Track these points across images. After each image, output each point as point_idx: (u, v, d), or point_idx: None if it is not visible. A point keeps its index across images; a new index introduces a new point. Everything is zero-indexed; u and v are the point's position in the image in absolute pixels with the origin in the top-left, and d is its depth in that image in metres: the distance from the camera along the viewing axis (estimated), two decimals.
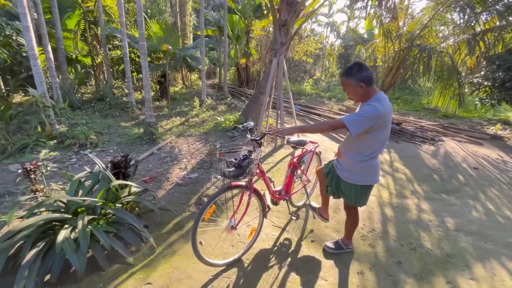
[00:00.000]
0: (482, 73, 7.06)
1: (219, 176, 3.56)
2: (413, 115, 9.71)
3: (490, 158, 5.15)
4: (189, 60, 8.72)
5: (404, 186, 3.77)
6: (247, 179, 2.05)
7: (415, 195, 3.51)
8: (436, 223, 2.86)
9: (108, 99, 7.81)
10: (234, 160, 1.95)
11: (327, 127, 1.76)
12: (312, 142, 2.77)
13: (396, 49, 8.49)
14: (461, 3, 7.70)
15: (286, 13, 5.10)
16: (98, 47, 10.88)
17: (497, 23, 7.74)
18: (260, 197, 2.19)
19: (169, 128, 5.97)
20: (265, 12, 10.43)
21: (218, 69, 15.29)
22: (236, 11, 11.28)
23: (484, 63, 7.47)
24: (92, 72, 10.63)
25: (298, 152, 2.61)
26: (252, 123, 2.30)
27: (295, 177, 2.66)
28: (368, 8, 6.88)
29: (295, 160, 2.55)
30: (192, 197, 3.09)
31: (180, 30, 13.13)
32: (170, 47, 8.25)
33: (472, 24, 7.92)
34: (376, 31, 18.00)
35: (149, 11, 11.09)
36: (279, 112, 5.31)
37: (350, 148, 1.87)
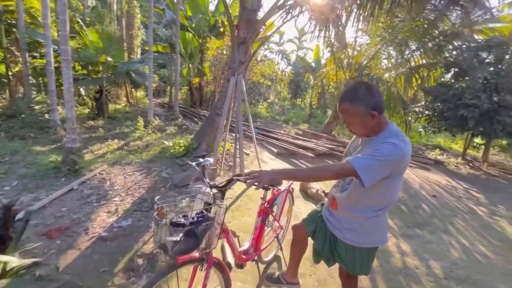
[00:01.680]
0: (423, 103, 7.70)
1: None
2: None
3: (442, 184, 5.32)
4: (133, 75, 7.69)
5: None
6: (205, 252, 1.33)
7: (390, 231, 3.17)
8: (423, 270, 2.49)
9: (22, 116, 6.24)
10: (182, 224, 1.22)
11: (329, 175, 1.18)
12: None
13: (347, 77, 8.90)
14: (397, 41, 8.48)
15: (245, 30, 4.71)
16: (19, 53, 9.04)
17: (425, 61, 8.72)
18: (223, 270, 1.48)
19: (101, 154, 4.83)
20: (221, 29, 10.10)
21: (169, 87, 14.29)
22: (189, 28, 10.74)
23: (422, 94, 8.23)
24: (7, 82, 8.68)
25: (269, 194, 2.00)
26: (210, 160, 1.64)
27: (266, 226, 2.03)
28: (316, 33, 6.95)
29: (266, 205, 1.93)
30: (120, 258, 2.17)
31: (126, 43, 11.99)
32: (110, 59, 7.16)
33: (408, 59, 8.78)
34: (323, 61, 19.42)
35: (87, 19, 9.80)
36: (237, 136, 4.72)
37: (357, 201, 1.32)
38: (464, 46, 7.11)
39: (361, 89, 1.21)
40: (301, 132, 9.02)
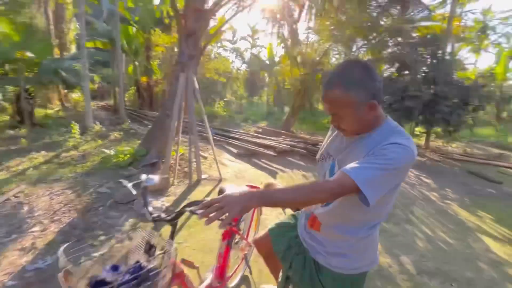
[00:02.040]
0: None
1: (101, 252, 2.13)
2: (320, 134, 10.38)
3: None
4: (63, 74, 6.57)
5: None
6: None
7: None
8: (396, 268, 2.39)
9: None
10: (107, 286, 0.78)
11: (322, 196, 0.85)
12: (253, 187, 1.86)
13: (302, 73, 8.95)
14: (345, 38, 8.80)
15: (193, 21, 4.23)
16: None
17: (371, 56, 9.24)
18: None
19: (21, 171, 3.91)
20: (166, 21, 9.31)
21: (114, 88, 12.86)
22: (132, 22, 9.72)
23: None
24: None
25: None
26: (155, 179, 1.20)
27: (232, 249, 1.67)
28: (270, 28, 6.84)
29: (232, 224, 1.56)
30: None
31: (57, 38, 10.42)
32: (31, 55, 5.98)
33: (356, 55, 9.18)
34: (277, 59, 19.65)
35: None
36: (191, 138, 4.24)
37: (346, 217, 1.02)
38: (405, 41, 7.63)
39: (356, 69, 0.91)
40: (260, 130, 8.82)
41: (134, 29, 10.31)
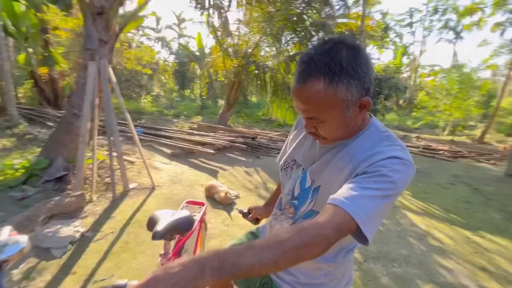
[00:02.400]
0: None
1: None
2: (256, 126, 10.43)
3: None
4: None
5: None
6: None
7: None
8: None
9: None
10: None
11: (315, 250, 0.55)
12: (195, 203, 1.51)
13: (236, 65, 8.70)
14: (275, 30, 8.93)
15: None
16: None
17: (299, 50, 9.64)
18: None
19: None
20: None
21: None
22: None
23: None
24: None
25: (173, 244, 1.26)
26: (21, 241, 0.69)
27: None
28: (198, 16, 6.38)
29: (171, 257, 1.19)
30: None
31: None
32: None
33: (286, 48, 9.43)
34: (207, 50, 18.88)
35: None
36: (111, 139, 3.52)
37: None
38: (327, 36, 8.17)
39: (344, 53, 0.63)
40: (196, 126, 8.25)
41: (23, 7, 8.17)
